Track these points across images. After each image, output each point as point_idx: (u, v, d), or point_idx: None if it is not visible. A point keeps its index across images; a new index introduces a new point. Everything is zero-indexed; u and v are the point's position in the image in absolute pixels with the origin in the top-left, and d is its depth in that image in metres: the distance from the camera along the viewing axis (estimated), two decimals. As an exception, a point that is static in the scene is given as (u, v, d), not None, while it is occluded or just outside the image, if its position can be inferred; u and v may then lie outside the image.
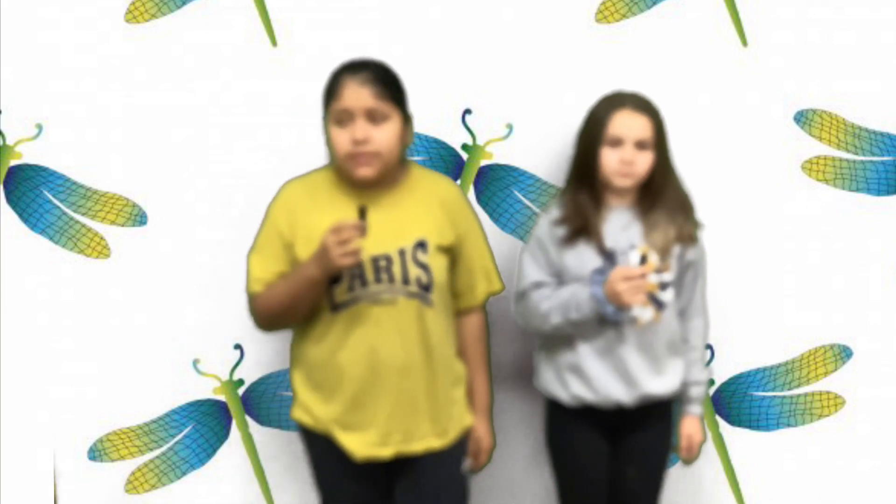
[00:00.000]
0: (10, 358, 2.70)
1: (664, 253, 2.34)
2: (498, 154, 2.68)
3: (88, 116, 2.64)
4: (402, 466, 2.25)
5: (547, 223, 2.39)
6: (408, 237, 2.21)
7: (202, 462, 2.75)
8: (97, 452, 2.73)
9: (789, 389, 2.75)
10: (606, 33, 2.64)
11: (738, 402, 2.75)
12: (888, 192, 2.70)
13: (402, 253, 2.19)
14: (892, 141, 2.69)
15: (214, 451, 2.75)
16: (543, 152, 2.66)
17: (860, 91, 2.66)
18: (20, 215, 2.67)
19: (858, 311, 2.72)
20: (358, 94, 2.14)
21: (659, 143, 2.33)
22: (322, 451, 2.29)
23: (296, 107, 2.63)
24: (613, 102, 2.33)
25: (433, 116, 2.61)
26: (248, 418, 2.74)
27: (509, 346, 2.67)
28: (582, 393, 2.37)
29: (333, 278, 2.15)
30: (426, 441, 2.24)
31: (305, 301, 2.17)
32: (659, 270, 2.32)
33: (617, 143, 2.31)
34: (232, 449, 2.75)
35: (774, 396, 2.75)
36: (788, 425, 2.76)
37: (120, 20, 2.62)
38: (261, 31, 2.63)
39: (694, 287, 2.44)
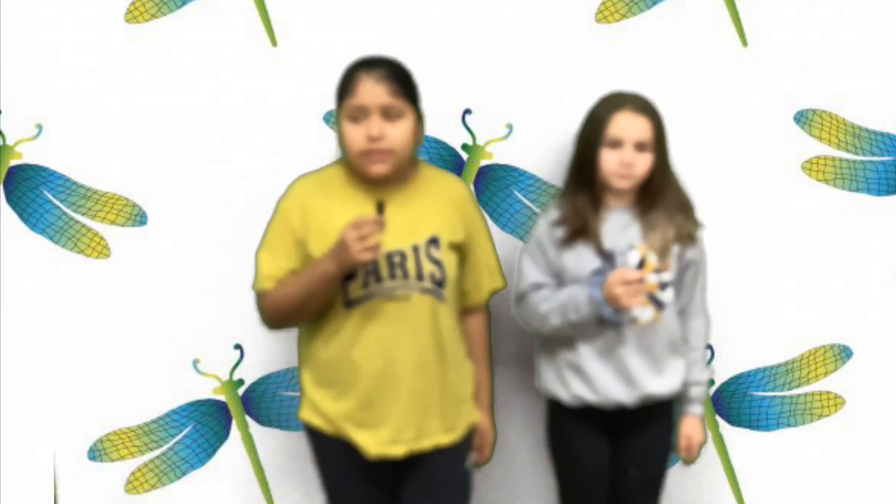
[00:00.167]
0: (10, 358, 2.70)
1: (663, 253, 2.34)
2: (498, 154, 2.68)
3: (88, 116, 2.64)
4: (409, 464, 2.25)
5: (546, 224, 2.39)
6: (420, 233, 2.21)
7: (202, 462, 2.75)
8: (97, 452, 2.73)
9: (789, 389, 2.75)
10: (606, 33, 2.64)
11: (738, 402, 2.75)
12: (888, 192, 2.70)
13: (415, 249, 2.19)
14: (892, 141, 2.69)
15: (214, 451, 2.75)
16: (543, 152, 2.66)
17: (860, 91, 2.66)
18: (20, 215, 2.67)
19: (858, 311, 2.72)
20: (374, 91, 2.14)
21: (658, 144, 2.33)
22: (330, 452, 2.28)
23: (296, 107, 2.63)
24: (613, 103, 2.33)
25: (433, 116, 2.60)
26: (248, 418, 2.74)
27: (510, 345, 2.67)
28: (583, 393, 2.37)
29: (348, 274, 2.15)
30: (435, 437, 2.24)
31: (319, 297, 2.17)
32: (658, 270, 2.31)
33: (616, 144, 2.31)
34: (232, 449, 2.75)
35: (774, 396, 2.75)
36: (788, 425, 2.76)
37: (120, 20, 2.62)
38: (261, 31, 2.63)
39: (694, 287, 2.44)
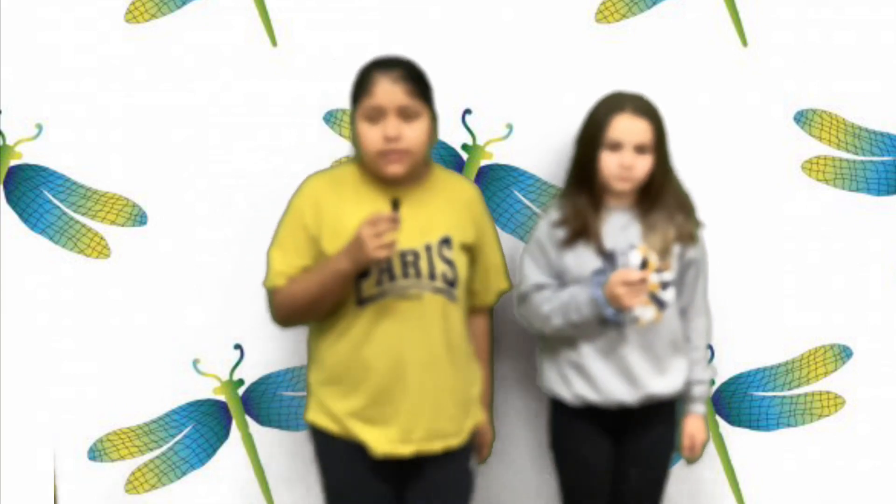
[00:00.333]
0: (10, 358, 2.70)
1: (664, 253, 2.34)
2: (498, 154, 2.68)
3: (88, 116, 2.64)
4: (415, 465, 2.24)
5: (546, 225, 2.39)
6: (433, 233, 2.22)
7: (202, 462, 2.75)
8: (97, 452, 2.73)
9: (789, 389, 2.75)
10: (606, 33, 2.64)
11: (738, 402, 2.75)
12: (888, 192, 2.70)
13: (428, 249, 2.20)
14: (892, 141, 2.69)
15: (214, 451, 2.75)
16: (543, 152, 2.66)
17: (860, 91, 2.66)
18: (20, 215, 2.67)
19: (858, 311, 2.72)
20: (391, 92, 2.14)
21: (659, 145, 2.33)
22: (336, 454, 2.27)
23: (296, 107, 2.63)
24: (613, 105, 2.32)
25: (433, 116, 2.62)
26: (248, 418, 2.74)
27: (513, 346, 2.67)
28: (585, 392, 2.37)
29: (362, 272, 2.15)
30: (446, 440, 2.24)
31: (333, 295, 2.17)
32: (659, 270, 2.31)
33: (616, 147, 2.31)
34: (232, 449, 2.75)
35: (774, 396, 2.75)
36: (788, 425, 2.76)
37: (120, 20, 2.62)
38: (261, 31, 2.63)
39: (695, 286, 2.44)
